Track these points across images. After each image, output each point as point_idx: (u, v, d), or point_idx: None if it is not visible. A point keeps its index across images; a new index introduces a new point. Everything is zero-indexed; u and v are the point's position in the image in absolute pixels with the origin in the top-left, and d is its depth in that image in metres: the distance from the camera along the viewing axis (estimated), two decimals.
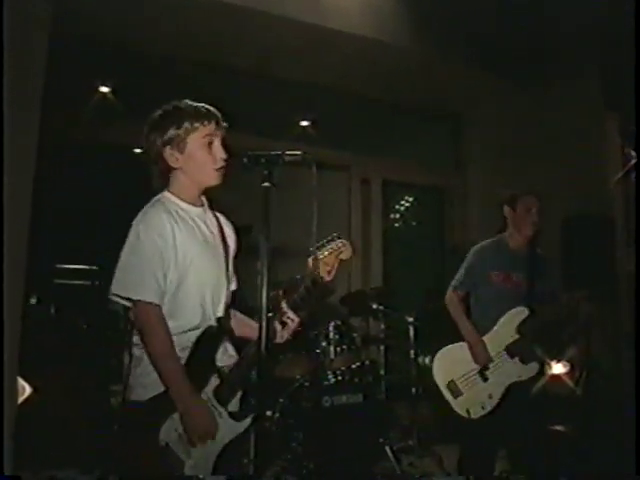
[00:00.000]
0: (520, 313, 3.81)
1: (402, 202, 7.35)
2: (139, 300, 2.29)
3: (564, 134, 6.14)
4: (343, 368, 4.68)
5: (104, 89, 6.07)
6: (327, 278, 2.48)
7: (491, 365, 3.82)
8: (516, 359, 3.79)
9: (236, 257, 2.69)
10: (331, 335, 4.72)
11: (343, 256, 2.51)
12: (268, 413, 4.15)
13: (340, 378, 4.61)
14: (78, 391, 4.71)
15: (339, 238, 2.52)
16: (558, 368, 5.36)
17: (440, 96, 6.50)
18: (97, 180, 6.19)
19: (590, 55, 5.88)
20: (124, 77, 5.82)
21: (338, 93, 6.37)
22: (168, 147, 2.41)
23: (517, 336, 3.79)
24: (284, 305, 2.46)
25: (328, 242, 2.50)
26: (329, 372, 4.59)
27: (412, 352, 5.06)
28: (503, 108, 6.52)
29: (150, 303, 2.29)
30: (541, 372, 3.85)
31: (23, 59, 3.75)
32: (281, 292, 2.49)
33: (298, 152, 2.16)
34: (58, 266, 5.90)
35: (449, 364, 3.91)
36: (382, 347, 5.14)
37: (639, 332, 3.70)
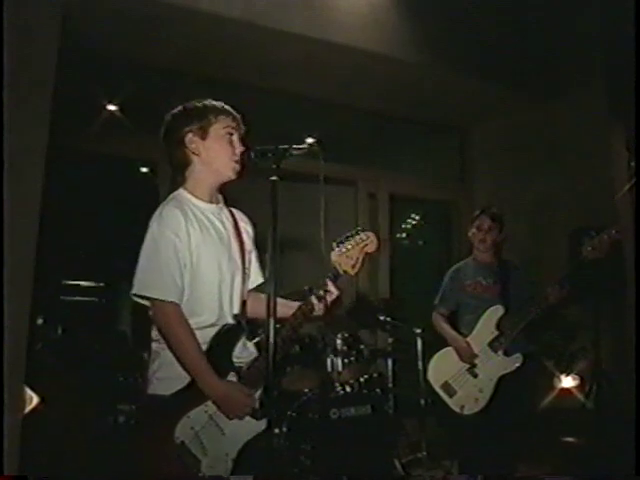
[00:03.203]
0: (496, 311, 4.19)
1: (409, 216, 7.36)
2: (157, 299, 2.30)
3: (570, 147, 6.15)
4: (351, 380, 4.67)
5: (111, 107, 6.14)
6: (351, 272, 2.49)
7: (478, 362, 4.17)
8: (499, 353, 4.13)
9: (259, 251, 2.68)
10: (339, 347, 4.70)
11: (368, 249, 2.51)
12: (276, 430, 4.14)
13: (348, 390, 4.59)
14: (84, 408, 4.69)
15: (363, 231, 2.51)
16: (568, 381, 5.37)
17: (446, 110, 6.52)
18: (105, 196, 6.22)
19: (596, 68, 5.90)
20: (132, 95, 5.87)
21: (343, 108, 6.39)
22: (191, 134, 2.46)
23: (497, 332, 4.15)
24: (326, 279, 2.47)
25: (352, 235, 2.50)
26: (337, 384, 4.57)
27: (420, 364, 5.03)
28: (510, 121, 6.53)
29: (169, 302, 2.30)
30: (525, 362, 4.11)
31: (32, 74, 3.78)
32: None
33: (305, 145, 2.18)
34: (65, 283, 5.91)
35: (441, 367, 4.35)
36: (390, 359, 5.11)
37: (639, 336, 3.78)
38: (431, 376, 4.39)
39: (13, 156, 3.55)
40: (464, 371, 4.20)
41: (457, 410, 4.13)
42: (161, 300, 2.30)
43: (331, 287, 2.46)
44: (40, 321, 5.15)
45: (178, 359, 2.29)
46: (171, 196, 2.50)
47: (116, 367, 4.95)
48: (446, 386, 4.24)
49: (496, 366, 4.12)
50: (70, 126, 5.03)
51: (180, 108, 2.54)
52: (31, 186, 3.64)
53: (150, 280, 2.31)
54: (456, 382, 4.21)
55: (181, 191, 2.51)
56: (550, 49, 6.07)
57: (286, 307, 2.51)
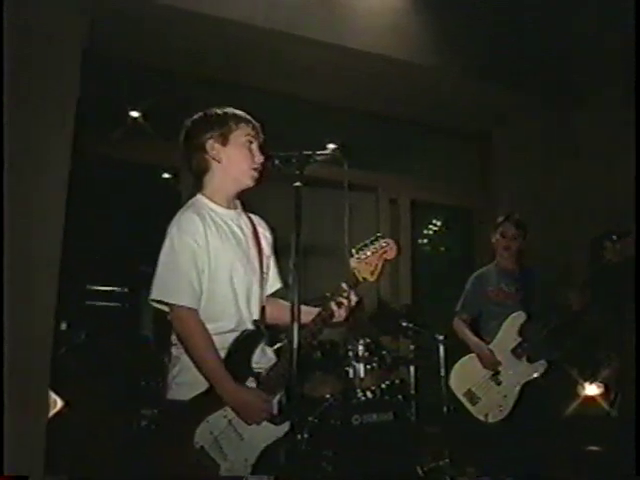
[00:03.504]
0: (518, 317, 4.19)
1: (431, 222, 7.34)
2: (175, 304, 2.32)
3: (593, 152, 6.10)
4: (373, 387, 4.65)
5: (134, 114, 6.19)
6: (370, 279, 2.48)
7: (501, 369, 4.16)
8: (523, 360, 4.12)
9: (277, 257, 2.69)
10: (361, 353, 4.69)
11: (388, 256, 2.51)
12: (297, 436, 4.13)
13: (370, 397, 4.57)
14: (107, 412, 4.72)
15: (383, 238, 2.51)
16: (592, 389, 5.31)
17: (467, 114, 6.48)
18: (128, 202, 6.27)
19: (617, 70, 5.85)
20: (154, 102, 5.92)
21: (363, 114, 6.39)
22: (211, 140, 2.48)
23: (520, 339, 4.15)
24: (344, 284, 2.46)
25: (372, 242, 2.50)
26: (359, 391, 4.55)
27: (442, 371, 4.99)
28: (532, 126, 6.49)
29: (186, 307, 2.31)
30: (549, 369, 4.10)
31: (56, 82, 3.83)
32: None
33: (329, 151, 2.18)
34: (88, 288, 5.95)
35: (464, 375, 4.35)
36: (412, 366, 5.08)
37: (639, 335, 3.79)
38: (453, 383, 4.39)
39: (38, 163, 3.62)
40: (487, 378, 4.19)
41: (481, 418, 4.12)
42: (178, 305, 2.31)
43: (349, 293, 2.45)
44: (64, 326, 5.19)
45: (195, 364, 2.30)
46: (190, 202, 2.52)
47: (139, 372, 4.98)
48: (469, 394, 4.23)
49: (520, 373, 4.10)
50: (94, 133, 5.09)
51: (201, 114, 2.56)
52: (56, 192, 3.68)
53: (168, 285, 2.33)
54: (479, 389, 4.20)
55: (199, 197, 2.52)
56: (569, 52, 6.03)
57: (305, 313, 2.50)
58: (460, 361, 4.41)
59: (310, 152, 2.17)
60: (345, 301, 2.45)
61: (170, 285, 2.32)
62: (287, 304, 2.26)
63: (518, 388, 4.07)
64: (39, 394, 3.37)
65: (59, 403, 3.56)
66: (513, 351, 4.14)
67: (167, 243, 2.38)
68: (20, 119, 3.55)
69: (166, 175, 6.83)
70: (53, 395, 3.54)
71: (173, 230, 2.38)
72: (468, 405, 4.22)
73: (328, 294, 2.54)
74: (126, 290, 5.78)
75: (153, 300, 2.36)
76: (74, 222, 3.98)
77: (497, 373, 4.16)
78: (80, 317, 5.51)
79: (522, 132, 6.58)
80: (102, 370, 5.22)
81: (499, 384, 4.14)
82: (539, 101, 6.23)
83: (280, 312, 2.58)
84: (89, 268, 6.01)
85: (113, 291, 5.99)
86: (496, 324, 4.25)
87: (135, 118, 6.18)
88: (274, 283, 2.70)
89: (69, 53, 3.88)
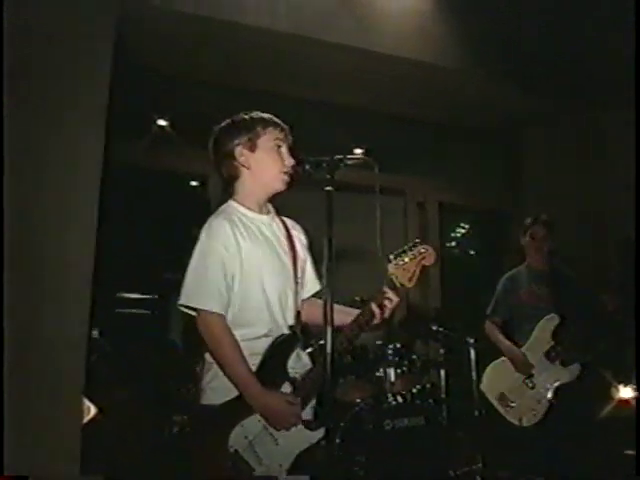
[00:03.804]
0: (552, 320, 4.15)
1: (459, 224, 7.30)
2: (202, 310, 2.32)
3: (621, 152, 6.02)
4: (404, 391, 4.62)
5: (162, 122, 6.24)
6: (408, 285, 2.47)
7: (534, 372, 4.12)
8: (556, 363, 4.09)
9: (315, 261, 2.67)
10: (391, 358, 4.67)
11: (426, 262, 2.49)
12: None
13: (401, 401, 4.55)
14: (139, 418, 4.76)
15: (421, 244, 2.50)
16: (627, 392, 5.24)
17: (493, 116, 6.45)
18: (156, 210, 6.32)
19: None
20: (182, 111, 5.96)
21: (390, 117, 6.37)
22: (240, 146, 2.48)
23: (553, 342, 4.11)
24: (384, 286, 2.44)
25: (410, 248, 2.48)
26: (390, 395, 4.53)
27: (473, 374, 4.96)
28: (559, 127, 6.43)
29: (213, 313, 2.31)
30: (583, 372, 4.07)
31: (86, 92, 3.87)
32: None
33: (359, 156, 2.18)
34: (119, 296, 6.02)
35: (496, 378, 4.32)
36: (443, 370, 5.05)
37: (639, 333, 3.74)
38: (486, 387, 4.36)
39: (68, 173, 3.66)
40: (520, 382, 4.15)
41: (515, 422, 4.09)
42: (205, 310, 2.32)
43: (390, 294, 2.44)
44: (96, 333, 5.24)
45: (222, 369, 2.31)
46: (221, 208, 2.52)
47: (169, 378, 5.01)
48: (502, 397, 4.19)
49: (553, 376, 4.07)
50: (121, 141, 5.14)
51: (228, 121, 2.56)
52: (87, 201, 3.72)
53: (195, 291, 2.34)
54: (512, 393, 4.16)
55: (231, 202, 2.53)
56: (598, 53, 5.97)
57: (344, 314, 2.49)
58: (492, 364, 4.39)
59: (341, 156, 2.17)
60: (387, 302, 2.44)
61: (198, 290, 2.33)
62: (337, 307, 2.23)
63: (552, 391, 4.03)
64: (73, 401, 3.39)
65: (93, 410, 3.59)
66: (546, 354, 4.11)
67: (197, 249, 2.39)
68: (48, 129, 3.60)
69: (194, 183, 6.87)
70: (87, 402, 3.57)
71: (203, 236, 2.39)
72: (501, 409, 4.18)
73: (365, 298, 2.53)
74: (155, 297, 5.83)
75: (181, 305, 2.37)
76: (104, 230, 4.01)
77: (530, 376, 4.12)
78: (111, 324, 5.57)
79: (549, 133, 6.53)
80: (133, 377, 5.27)
81: (532, 388, 4.11)
82: (566, 102, 6.18)
83: (318, 312, 2.53)
84: (119, 276, 6.08)
85: (143, 299, 6.05)
86: (528, 326, 4.22)
87: (162, 126, 6.23)
88: (313, 286, 2.69)
89: (98, 63, 3.92)
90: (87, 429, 3.43)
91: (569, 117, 6.35)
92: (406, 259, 2.46)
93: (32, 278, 3.38)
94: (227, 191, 2.57)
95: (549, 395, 4.04)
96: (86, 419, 3.49)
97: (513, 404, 4.14)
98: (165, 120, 6.19)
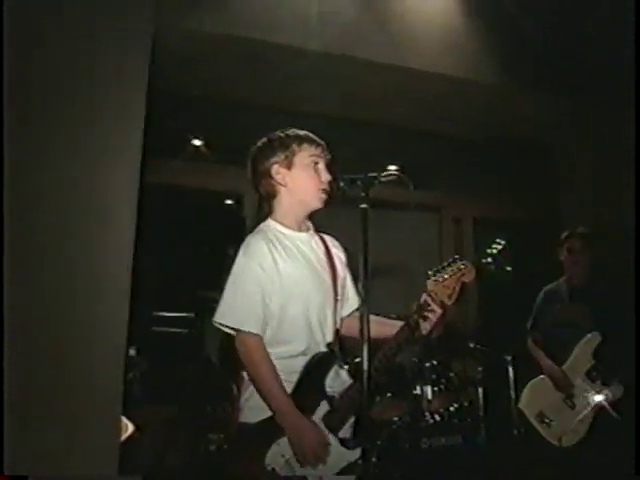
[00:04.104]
0: (593, 339, 4.06)
1: (495, 240, 7.24)
2: (240, 330, 2.33)
3: None
4: (441, 409, 4.59)
5: (197, 142, 6.32)
6: (448, 302, 2.44)
7: (575, 392, 4.04)
8: (598, 382, 3.99)
9: (355, 278, 2.62)
10: (428, 375, 4.64)
11: (465, 278, 2.46)
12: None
13: (438, 419, 4.51)
14: (176, 437, 4.77)
15: (460, 260, 2.48)
16: None
17: (528, 130, 6.39)
18: (192, 228, 6.38)
19: None
20: (216, 130, 6.03)
21: (425, 134, 6.36)
22: (276, 165, 2.49)
23: (594, 361, 4.03)
24: (427, 298, 2.42)
25: (449, 264, 2.46)
26: (427, 413, 4.50)
27: (512, 392, 4.89)
28: (596, 139, 6.34)
29: (250, 333, 2.32)
30: (625, 392, 3.95)
31: (121, 112, 3.93)
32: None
33: (394, 173, 2.17)
34: (155, 314, 6.05)
35: (535, 396, 4.22)
36: (480, 388, 4.99)
37: (639, 337, 3.61)
38: (525, 405, 4.26)
39: (105, 194, 3.71)
40: (560, 401, 4.07)
41: (554, 442, 3.99)
42: (242, 330, 2.33)
43: (434, 306, 2.42)
44: (133, 352, 5.28)
45: (257, 389, 2.31)
46: (259, 227, 2.52)
47: (205, 397, 5.02)
48: (541, 416, 4.10)
49: (595, 396, 3.98)
50: (158, 161, 5.20)
51: (264, 140, 2.57)
52: (124, 221, 3.76)
53: (232, 309, 2.34)
54: (552, 412, 4.07)
55: (269, 221, 2.53)
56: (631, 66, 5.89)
57: (389, 326, 2.48)
58: (531, 382, 4.30)
59: (375, 174, 2.17)
60: (430, 315, 2.42)
61: (234, 309, 2.34)
62: (373, 318, 2.21)
63: (594, 412, 3.95)
64: (111, 418, 3.42)
65: (130, 427, 3.61)
66: (588, 374, 4.03)
67: (234, 267, 2.39)
68: (86, 151, 3.66)
69: (229, 201, 6.93)
70: (124, 420, 3.59)
71: (240, 255, 2.40)
72: (539, 427, 4.09)
73: (399, 315, 2.52)
74: (192, 316, 5.86)
75: (218, 323, 2.38)
76: (141, 249, 4.05)
77: (571, 396, 4.04)
78: (148, 343, 5.61)
79: (586, 146, 6.44)
80: (169, 395, 5.29)
81: (573, 407, 4.02)
82: (603, 115, 6.10)
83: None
84: (156, 294, 6.13)
85: (179, 317, 6.08)
86: (569, 343, 4.14)
87: (197, 146, 6.31)
88: (354, 302, 2.66)
89: (134, 85, 3.97)
90: (124, 447, 3.45)
91: (607, 129, 6.26)
92: (446, 275, 2.43)
93: (69, 296, 3.42)
94: (264, 209, 2.58)
95: (590, 415, 3.94)
96: (124, 437, 3.51)
97: (552, 423, 4.05)
98: (200, 140, 6.27)
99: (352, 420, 2.38)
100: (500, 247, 7.38)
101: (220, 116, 5.86)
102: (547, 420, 4.07)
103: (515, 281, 7.40)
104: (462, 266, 2.45)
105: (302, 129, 2.60)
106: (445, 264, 2.46)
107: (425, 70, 5.28)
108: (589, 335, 4.07)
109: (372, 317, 2.19)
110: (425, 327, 2.44)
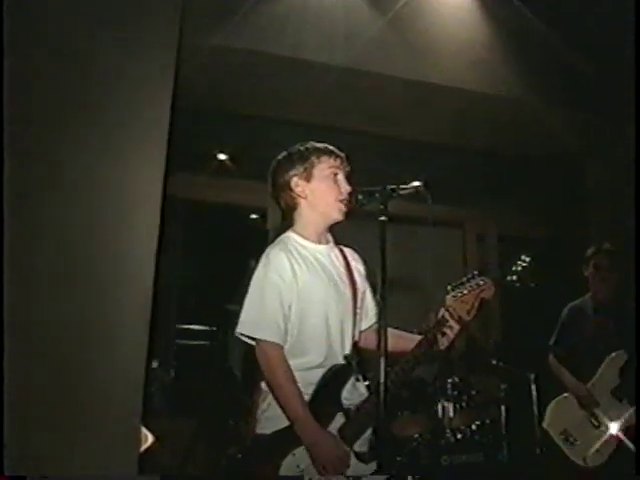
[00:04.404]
0: (619, 357, 4.00)
1: (520, 257, 7.16)
2: (260, 339, 2.34)
3: None
4: (463, 427, 4.54)
5: (222, 156, 6.37)
6: (467, 318, 2.44)
7: (600, 410, 3.96)
8: (624, 402, 3.91)
9: (374, 291, 2.62)
10: (449, 392, 4.60)
11: (485, 294, 2.47)
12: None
13: (459, 437, 4.47)
14: (196, 450, 4.78)
15: (480, 276, 2.47)
16: None
17: (554, 145, 6.34)
18: (216, 242, 6.42)
19: None
20: (242, 145, 6.07)
21: (448, 149, 6.34)
22: (296, 177, 2.51)
23: (620, 380, 3.96)
24: (445, 314, 2.43)
25: (468, 280, 2.47)
26: (448, 430, 4.45)
27: (535, 410, 4.82)
28: (622, 153, 6.27)
29: (271, 342, 2.33)
30: None
31: (146, 126, 3.98)
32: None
33: (411, 186, 2.18)
34: (178, 327, 6.10)
35: (560, 415, 4.13)
36: (503, 405, 4.93)
37: (639, 339, 3.61)
38: (548, 423, 4.17)
39: (127, 207, 3.76)
40: (585, 420, 3.99)
41: (579, 462, 3.90)
42: (263, 340, 2.33)
43: (452, 322, 2.42)
44: (155, 364, 5.31)
45: (276, 399, 2.31)
46: (279, 239, 2.54)
47: (226, 410, 5.03)
48: (565, 434, 4.01)
49: (621, 415, 3.90)
50: (182, 176, 5.25)
51: (284, 153, 2.59)
52: (148, 233, 3.80)
53: (253, 320, 2.36)
54: (576, 431, 3.99)
55: (289, 233, 2.54)
56: None
57: (407, 340, 2.48)
58: (555, 400, 4.21)
59: (393, 187, 2.17)
60: (448, 331, 2.42)
61: (255, 320, 2.35)
62: (392, 331, 2.22)
63: (620, 431, 3.86)
64: (131, 428, 3.44)
65: (150, 438, 3.64)
66: (613, 392, 3.95)
67: (254, 279, 2.41)
68: (111, 165, 3.72)
69: (254, 215, 6.97)
70: (144, 430, 3.61)
71: (260, 266, 2.42)
72: (564, 447, 4.00)
73: (419, 330, 2.51)
74: (214, 329, 5.89)
75: (240, 334, 2.39)
76: (165, 263, 4.09)
77: (596, 416, 3.96)
78: (170, 355, 5.65)
79: (611, 161, 6.38)
80: (191, 408, 5.31)
81: (598, 427, 3.94)
82: (630, 129, 6.03)
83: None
84: (180, 308, 6.17)
85: (203, 330, 6.13)
86: (594, 361, 4.07)
87: (222, 160, 6.36)
88: (372, 316, 2.64)
89: (158, 98, 4.02)
90: (144, 457, 3.47)
91: (630, 142, 6.19)
92: (464, 291, 2.44)
93: (91, 308, 3.46)
94: (286, 222, 2.60)
95: (616, 435, 3.86)
96: (143, 447, 3.53)
97: (577, 442, 3.96)
98: (225, 154, 6.33)
99: (369, 434, 2.36)
100: (525, 264, 7.30)
101: (245, 131, 5.90)
102: (571, 439, 3.99)
103: (539, 298, 7.32)
104: (481, 282, 2.46)
105: (327, 143, 2.61)
106: (464, 280, 2.46)
107: (449, 85, 5.28)
108: (615, 353, 4.00)
109: (391, 330, 2.19)
110: (443, 342, 2.44)
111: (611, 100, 5.77)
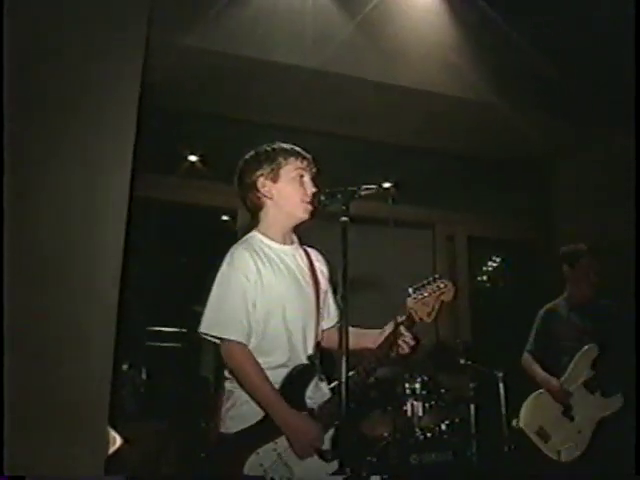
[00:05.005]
0: (590, 350, 4.02)
1: (490, 258, 7.26)
2: (225, 339, 2.35)
3: None
4: (432, 425, 4.57)
5: (192, 158, 6.36)
6: (427, 320, 2.48)
7: (573, 403, 3.98)
8: (597, 394, 3.96)
9: (335, 292, 2.65)
10: (418, 391, 4.63)
11: (445, 297, 2.51)
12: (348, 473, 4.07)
13: (429, 435, 4.50)
14: (167, 451, 4.77)
15: (440, 279, 2.51)
16: None
17: (523, 148, 6.42)
18: (186, 244, 6.40)
19: None
20: (212, 146, 6.06)
21: (419, 151, 6.39)
22: (262, 177, 2.53)
23: (592, 372, 3.99)
24: (402, 328, 2.46)
25: (429, 283, 2.50)
26: (417, 429, 4.49)
27: (503, 409, 4.87)
28: (590, 157, 6.37)
29: (235, 341, 2.34)
30: (626, 404, 3.88)
31: (114, 126, 3.97)
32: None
33: (373, 186, 2.20)
34: (148, 329, 6.07)
35: (534, 412, 4.11)
36: (472, 404, 4.97)
37: (639, 340, 3.58)
38: (524, 421, 4.14)
39: (97, 208, 3.75)
40: (560, 414, 4.01)
41: (553, 456, 3.91)
42: (227, 339, 2.35)
43: (407, 337, 2.47)
44: (125, 366, 5.29)
45: (249, 394, 2.33)
46: (244, 238, 2.55)
47: (198, 412, 5.02)
48: (541, 431, 4.01)
49: (594, 408, 3.94)
50: (152, 177, 5.24)
51: (252, 153, 2.61)
52: (115, 234, 3.79)
53: (216, 319, 2.36)
54: (551, 426, 4.00)
55: (254, 233, 2.56)
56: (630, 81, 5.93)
57: (368, 336, 2.53)
58: (530, 398, 4.20)
59: (355, 188, 2.20)
60: (403, 344, 2.46)
61: (218, 319, 2.36)
62: (352, 330, 2.22)
63: (593, 424, 3.90)
64: (98, 430, 3.43)
65: (118, 440, 3.62)
66: (585, 385, 3.98)
67: (218, 278, 2.42)
68: (74, 166, 3.71)
69: (225, 217, 6.95)
70: (113, 432, 3.60)
71: (224, 266, 2.43)
72: (540, 443, 3.99)
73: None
74: (184, 331, 5.88)
75: (203, 333, 2.39)
76: (133, 264, 4.08)
77: (569, 409, 3.98)
78: (141, 357, 5.62)
79: (581, 163, 6.47)
80: (161, 410, 5.29)
81: (572, 420, 3.96)
82: (597, 132, 6.13)
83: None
84: (150, 310, 6.14)
85: (173, 332, 6.10)
86: (568, 359, 4.09)
87: (193, 162, 6.35)
88: (334, 316, 2.67)
89: (124, 99, 4.01)
90: (112, 459, 3.46)
91: (602, 146, 6.28)
92: (425, 294, 2.48)
93: (57, 309, 3.45)
94: (252, 222, 2.61)
95: (591, 427, 3.90)
96: (111, 449, 3.52)
97: (550, 437, 3.97)
98: (196, 156, 6.31)
99: (331, 433, 2.38)
100: (495, 264, 7.39)
101: (216, 132, 5.90)
102: (546, 435, 4.00)
103: (507, 298, 7.41)
104: (441, 285, 2.50)
105: (296, 145, 2.63)
106: (425, 282, 2.50)
107: (419, 88, 5.33)
108: (587, 346, 4.03)
109: (351, 329, 2.19)
110: (403, 347, 2.48)
111: (580, 103, 5.85)
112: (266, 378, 2.32)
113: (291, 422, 2.29)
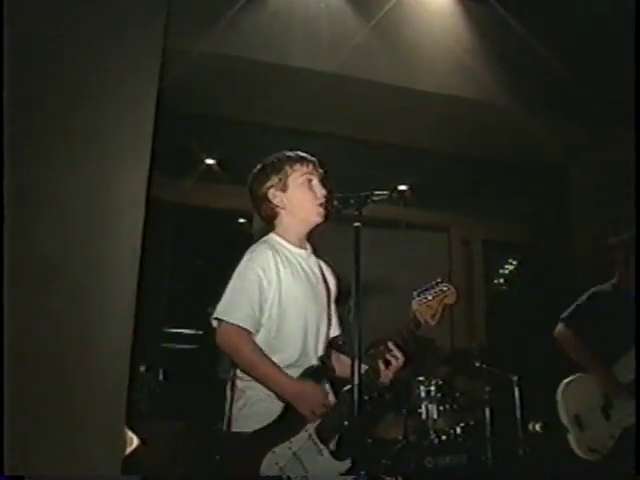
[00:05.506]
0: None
1: (507, 261, 7.25)
2: (227, 322, 2.36)
3: None
4: (447, 428, 4.57)
5: (210, 161, 6.41)
6: (431, 322, 2.52)
7: (615, 403, 3.64)
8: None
9: (337, 303, 2.71)
10: (433, 394, 4.63)
11: (448, 300, 2.56)
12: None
13: (444, 439, 4.50)
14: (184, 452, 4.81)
15: (443, 282, 2.56)
16: None
17: (539, 151, 6.39)
18: (202, 246, 6.45)
19: None
20: (229, 149, 6.11)
21: (435, 155, 6.39)
22: (272, 189, 2.57)
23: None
24: (389, 343, 2.49)
25: (432, 286, 2.55)
26: (432, 432, 4.49)
27: (518, 412, 4.86)
28: (606, 158, 6.33)
29: (237, 326, 2.35)
30: None
31: (131, 131, 4.01)
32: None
33: (386, 192, 2.23)
34: (165, 331, 6.12)
35: (575, 397, 3.75)
36: (487, 407, 4.97)
37: (638, 341, 3.47)
38: (562, 403, 3.74)
39: (115, 210, 3.79)
40: (598, 408, 3.67)
41: (575, 448, 3.62)
42: (229, 323, 2.35)
43: (396, 352, 2.49)
44: (142, 368, 5.33)
45: (251, 374, 2.35)
46: (263, 239, 2.59)
47: (214, 414, 5.05)
48: (577, 420, 3.67)
49: (631, 413, 3.54)
50: (169, 180, 5.28)
51: (259, 166, 2.65)
52: (132, 237, 3.83)
53: (228, 306, 2.38)
54: (587, 419, 3.67)
55: (272, 235, 2.60)
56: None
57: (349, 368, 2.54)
58: (568, 380, 3.81)
59: (368, 192, 2.22)
60: (393, 360, 2.49)
61: (230, 305, 2.38)
62: (346, 359, 2.29)
63: (622, 429, 3.57)
64: (115, 431, 3.47)
65: (135, 441, 3.66)
66: (628, 387, 3.60)
67: (238, 268, 2.46)
68: (93, 169, 3.75)
69: (241, 220, 7.00)
70: (130, 433, 3.64)
71: (244, 259, 2.47)
72: (572, 431, 3.66)
73: (372, 350, 2.56)
74: (200, 333, 5.92)
75: (214, 318, 2.41)
76: (151, 266, 4.12)
77: (610, 406, 3.65)
78: (157, 359, 5.67)
79: (596, 165, 6.43)
80: (178, 411, 5.33)
81: (608, 419, 3.65)
82: (612, 133, 6.09)
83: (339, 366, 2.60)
84: (167, 312, 6.20)
85: (189, 334, 6.15)
86: (610, 348, 3.72)
87: (210, 165, 6.40)
88: (335, 329, 2.71)
89: (142, 102, 4.05)
90: (128, 460, 3.49)
91: (614, 147, 6.24)
92: (429, 297, 2.53)
93: (75, 311, 3.49)
94: (267, 229, 2.65)
95: (618, 433, 3.58)
96: (128, 450, 3.56)
97: (585, 431, 3.65)
98: (213, 159, 6.36)
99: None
100: (511, 267, 7.38)
101: (233, 136, 5.95)
102: (582, 426, 3.66)
103: (523, 301, 7.39)
104: (445, 288, 2.56)
105: (314, 150, 2.66)
106: (429, 285, 2.55)
107: (434, 91, 5.33)
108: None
109: (342, 358, 2.37)
110: (387, 374, 2.50)
111: (594, 105, 5.83)
112: (264, 355, 2.35)
113: (296, 389, 2.33)
